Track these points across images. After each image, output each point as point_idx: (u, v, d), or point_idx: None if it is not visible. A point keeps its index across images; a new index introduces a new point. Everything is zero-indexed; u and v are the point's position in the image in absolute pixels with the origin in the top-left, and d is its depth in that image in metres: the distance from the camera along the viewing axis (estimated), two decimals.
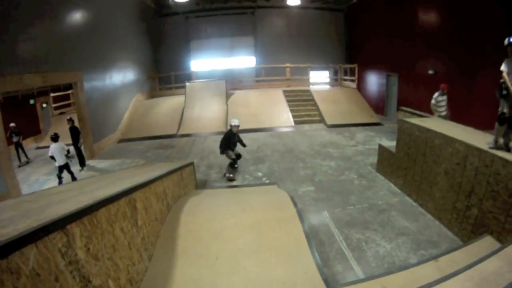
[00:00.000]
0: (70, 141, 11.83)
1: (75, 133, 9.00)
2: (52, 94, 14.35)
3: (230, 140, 7.12)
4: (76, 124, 9.31)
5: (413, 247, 4.12)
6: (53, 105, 14.62)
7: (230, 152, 7.08)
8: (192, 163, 6.19)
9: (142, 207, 3.39)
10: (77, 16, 9.55)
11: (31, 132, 13.86)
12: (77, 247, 2.22)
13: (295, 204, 4.37)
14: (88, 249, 2.33)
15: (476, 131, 5.13)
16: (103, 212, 2.63)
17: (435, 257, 3.57)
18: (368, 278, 3.31)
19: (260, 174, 7.26)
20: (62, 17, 8.76)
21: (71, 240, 2.18)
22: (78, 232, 2.27)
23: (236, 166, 7.29)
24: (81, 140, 9.07)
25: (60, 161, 7.13)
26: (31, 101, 14.27)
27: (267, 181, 6.73)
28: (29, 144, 12.81)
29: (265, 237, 3.47)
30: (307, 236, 3.51)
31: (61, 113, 14.74)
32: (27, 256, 1.84)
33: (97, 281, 2.32)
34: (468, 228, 4.24)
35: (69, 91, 13.88)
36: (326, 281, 3.02)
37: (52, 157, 7.14)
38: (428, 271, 3.32)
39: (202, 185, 6.57)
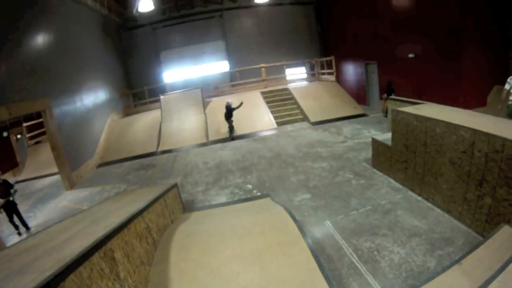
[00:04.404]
0: (49, 171, 11.01)
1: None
2: (25, 124, 13.57)
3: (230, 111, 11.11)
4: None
5: (428, 248, 3.80)
6: (28, 135, 13.86)
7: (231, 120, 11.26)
8: (175, 185, 5.66)
9: (123, 255, 2.89)
10: (38, 42, 8.95)
11: (8, 166, 13.00)
12: None
13: (294, 219, 3.93)
14: None
15: (479, 114, 4.84)
16: (71, 280, 2.13)
17: (458, 260, 3.24)
18: None
19: (249, 186, 6.75)
20: (23, 45, 8.19)
21: None
22: None
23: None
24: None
25: None
26: (4, 134, 13.46)
27: (259, 193, 6.25)
28: (8, 179, 11.99)
29: (270, 269, 3.01)
30: (317, 260, 3.09)
31: (37, 142, 13.98)
32: None
33: None
34: (482, 218, 3.95)
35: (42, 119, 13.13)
36: None
37: None
38: (455, 279, 2.98)
39: (189, 206, 6.02)
